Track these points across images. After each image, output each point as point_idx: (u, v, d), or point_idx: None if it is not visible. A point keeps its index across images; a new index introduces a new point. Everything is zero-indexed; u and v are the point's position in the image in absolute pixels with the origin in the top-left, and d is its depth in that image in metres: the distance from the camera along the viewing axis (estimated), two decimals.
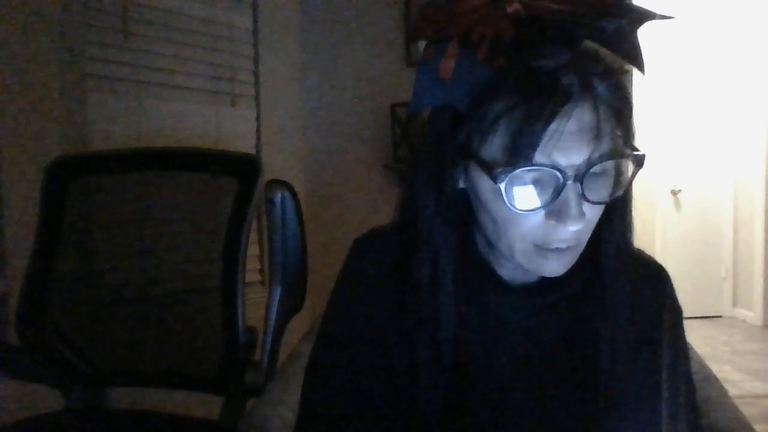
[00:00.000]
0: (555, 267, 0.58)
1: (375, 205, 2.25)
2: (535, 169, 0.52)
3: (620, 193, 0.57)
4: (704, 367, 0.91)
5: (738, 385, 3.19)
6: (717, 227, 4.87)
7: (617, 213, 0.62)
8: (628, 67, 0.56)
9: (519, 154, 0.52)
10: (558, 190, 0.53)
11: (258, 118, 2.11)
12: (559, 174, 0.52)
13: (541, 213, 0.55)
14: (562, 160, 0.52)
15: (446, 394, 0.61)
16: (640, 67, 0.55)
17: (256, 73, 2.10)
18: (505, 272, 0.64)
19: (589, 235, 0.58)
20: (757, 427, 0.81)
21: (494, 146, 0.54)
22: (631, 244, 0.64)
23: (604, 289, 0.62)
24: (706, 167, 4.82)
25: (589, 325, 0.62)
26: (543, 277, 0.62)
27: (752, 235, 4.63)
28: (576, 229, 0.54)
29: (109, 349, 1.32)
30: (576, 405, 0.62)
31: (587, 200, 0.54)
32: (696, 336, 4.15)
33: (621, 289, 0.63)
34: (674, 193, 4.84)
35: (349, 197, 2.29)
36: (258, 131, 2.11)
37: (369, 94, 2.33)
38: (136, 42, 1.76)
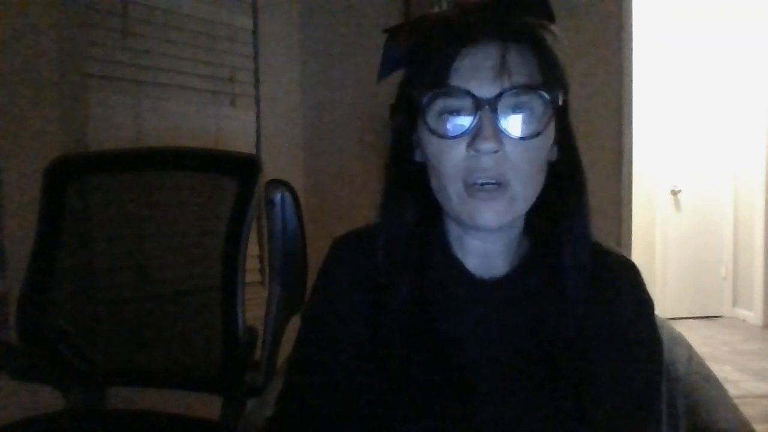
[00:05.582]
0: (487, 215, 0.61)
1: (375, 205, 2.24)
2: (453, 95, 0.60)
3: (538, 130, 0.61)
4: (704, 367, 0.91)
5: (738, 385, 3.19)
6: (717, 227, 4.87)
7: (572, 204, 0.66)
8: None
9: (436, 76, 0.60)
10: (474, 116, 0.60)
11: (258, 118, 2.11)
12: (473, 99, 0.59)
13: (464, 145, 0.60)
14: (477, 91, 0.59)
15: (416, 384, 0.63)
16: (549, 14, 0.63)
17: (256, 73, 2.10)
18: (472, 265, 0.67)
19: (515, 179, 0.61)
20: (757, 427, 0.81)
21: (420, 80, 0.62)
22: (592, 238, 0.67)
23: (564, 282, 0.65)
24: (706, 167, 4.82)
25: (552, 319, 0.65)
26: (508, 272, 0.67)
27: (752, 235, 4.63)
28: (492, 154, 0.59)
29: (109, 349, 1.32)
30: (543, 396, 0.63)
31: (502, 131, 0.59)
32: (696, 336, 4.15)
33: (580, 283, 0.65)
34: (674, 193, 4.84)
35: (349, 197, 2.29)
36: (258, 131, 2.11)
37: (369, 94, 2.32)
38: (136, 42, 1.76)
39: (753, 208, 4.61)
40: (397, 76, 0.68)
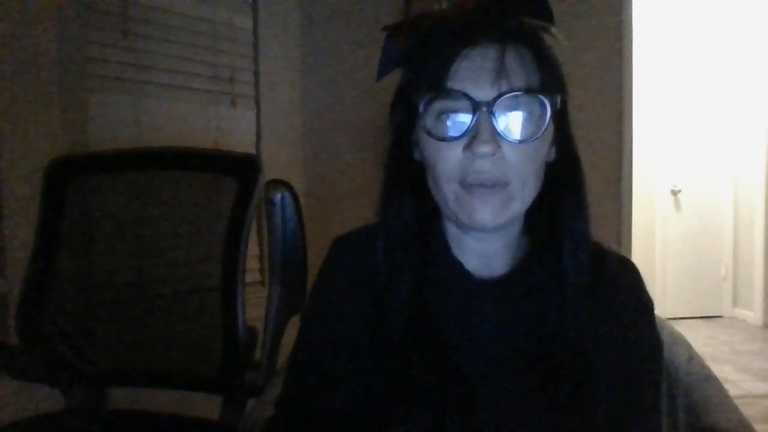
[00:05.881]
0: (484, 214, 0.61)
1: (375, 205, 2.24)
2: (450, 97, 0.60)
3: (537, 134, 0.60)
4: (704, 367, 0.91)
5: (738, 385, 3.19)
6: (717, 227, 4.86)
7: (571, 204, 0.66)
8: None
9: (434, 78, 0.60)
10: (471, 118, 0.59)
11: (258, 118, 2.11)
12: (470, 101, 0.59)
13: (461, 147, 0.60)
14: (475, 93, 0.59)
15: (416, 384, 0.63)
16: (548, 15, 0.63)
17: (256, 73, 2.10)
18: (471, 265, 0.67)
19: (513, 181, 0.61)
20: (757, 427, 0.81)
21: (418, 81, 0.62)
22: (592, 238, 0.67)
23: (564, 282, 0.65)
24: (706, 167, 4.82)
25: (552, 319, 0.65)
26: (507, 272, 0.67)
27: (752, 235, 4.63)
28: (490, 156, 0.59)
29: (109, 349, 1.32)
30: (543, 396, 0.63)
31: (499, 134, 0.59)
32: (696, 336, 4.15)
33: (580, 283, 0.65)
34: (674, 193, 4.84)
35: (349, 197, 2.29)
36: (258, 131, 2.11)
37: (369, 94, 2.32)
38: (136, 42, 1.76)
39: (753, 208, 4.61)
40: (398, 74, 0.68)
